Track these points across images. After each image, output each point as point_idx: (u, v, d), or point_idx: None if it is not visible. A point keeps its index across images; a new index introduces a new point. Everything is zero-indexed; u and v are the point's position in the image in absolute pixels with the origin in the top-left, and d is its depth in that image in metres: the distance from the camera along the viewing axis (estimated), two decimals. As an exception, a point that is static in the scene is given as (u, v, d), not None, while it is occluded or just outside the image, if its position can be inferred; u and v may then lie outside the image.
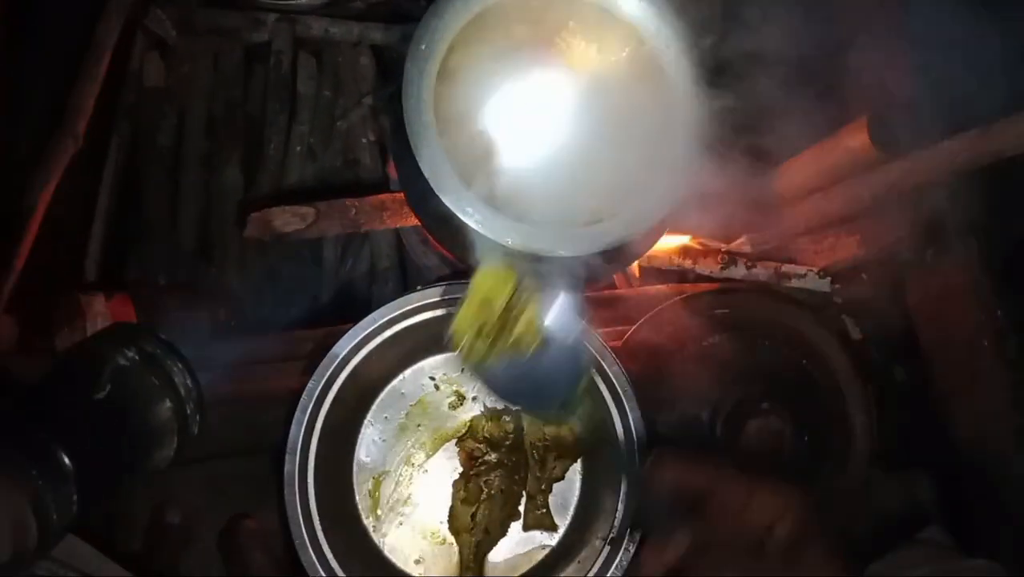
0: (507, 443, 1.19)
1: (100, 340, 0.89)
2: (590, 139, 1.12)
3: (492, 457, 1.18)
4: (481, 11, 1.09)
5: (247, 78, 1.45)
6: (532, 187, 1.10)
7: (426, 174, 1.04)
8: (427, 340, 1.18)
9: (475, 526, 1.16)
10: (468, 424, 1.20)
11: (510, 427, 1.19)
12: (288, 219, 1.25)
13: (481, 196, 1.06)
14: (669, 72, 1.11)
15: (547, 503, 1.17)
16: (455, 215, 1.04)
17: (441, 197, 1.04)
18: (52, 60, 1.16)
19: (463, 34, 1.09)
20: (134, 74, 1.38)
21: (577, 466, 1.20)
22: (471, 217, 1.04)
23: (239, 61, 1.45)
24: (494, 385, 1.08)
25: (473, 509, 1.17)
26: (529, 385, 1.05)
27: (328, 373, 1.12)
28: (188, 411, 0.89)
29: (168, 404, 0.88)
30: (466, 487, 1.17)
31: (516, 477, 1.18)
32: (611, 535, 1.10)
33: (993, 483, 1.18)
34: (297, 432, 1.10)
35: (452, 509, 1.17)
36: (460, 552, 1.16)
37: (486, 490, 1.17)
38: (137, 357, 0.86)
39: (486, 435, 1.19)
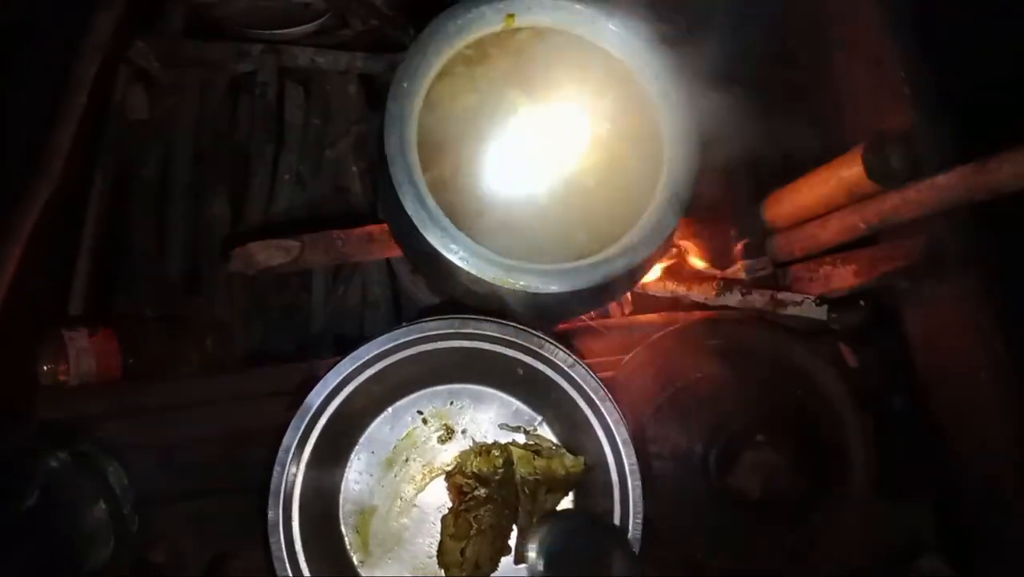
0: (497, 477, 1.17)
1: (33, 441, 0.87)
2: (578, 172, 1.11)
3: (482, 492, 1.16)
4: (464, 47, 1.09)
5: (233, 109, 1.45)
6: (520, 221, 1.09)
7: (409, 212, 1.03)
8: (415, 375, 1.17)
9: (465, 561, 1.14)
10: (456, 459, 1.18)
11: (499, 461, 1.17)
12: (272, 253, 1.24)
13: (466, 231, 1.05)
14: (658, 104, 1.10)
15: (538, 538, 1.15)
16: (439, 252, 1.03)
17: (424, 235, 1.02)
18: (31, 99, 1.15)
19: (446, 68, 1.09)
20: (118, 107, 1.37)
21: (568, 500, 1.18)
22: (455, 254, 1.03)
23: (225, 92, 1.45)
24: None
25: (463, 545, 1.14)
26: None
27: (312, 410, 1.10)
28: (125, 511, 0.89)
29: (103, 505, 0.87)
30: (455, 522, 1.15)
31: (506, 512, 1.15)
32: None
33: (993, 516, 1.17)
34: (281, 473, 1.08)
35: (441, 544, 1.15)
36: None
37: (476, 525, 1.15)
38: (70, 459, 0.85)
39: (475, 470, 1.17)
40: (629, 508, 1.10)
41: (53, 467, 0.83)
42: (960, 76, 1.15)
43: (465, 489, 1.15)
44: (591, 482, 1.15)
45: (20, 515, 0.79)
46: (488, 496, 1.15)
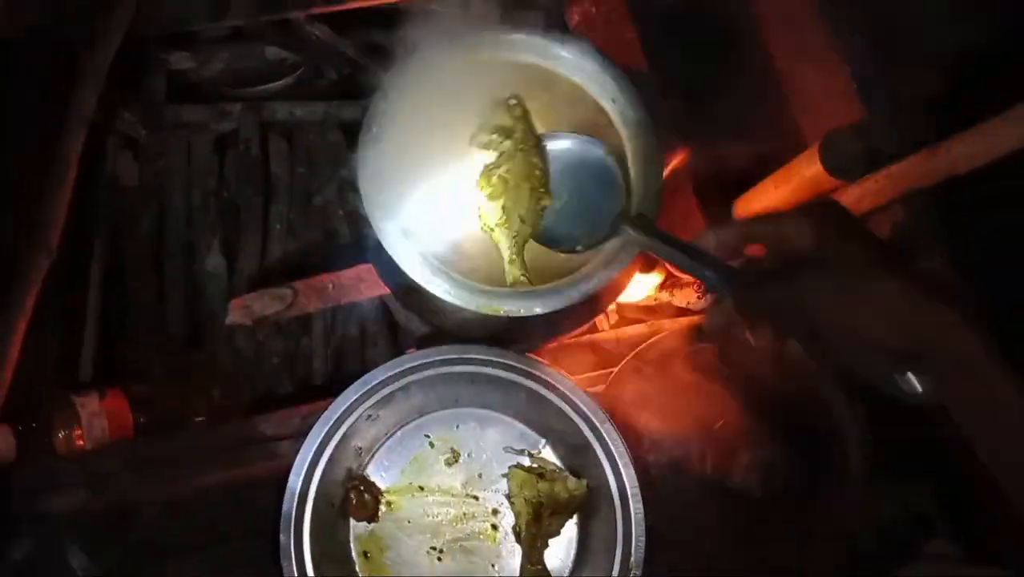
0: (516, 135, 1.12)
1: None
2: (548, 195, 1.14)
3: (508, 144, 1.12)
4: (428, 87, 1.12)
5: (220, 166, 1.49)
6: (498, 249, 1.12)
7: (389, 251, 1.06)
8: (420, 400, 1.21)
9: (508, 218, 1.11)
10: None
11: (517, 111, 1.13)
12: (267, 302, 1.28)
13: (447, 264, 1.08)
14: (617, 123, 1.13)
15: (542, 560, 1.18)
16: (423, 287, 1.06)
17: (407, 272, 1.06)
18: (23, 176, 1.19)
19: (412, 109, 1.12)
20: (109, 175, 1.42)
21: (573, 522, 1.21)
22: (438, 287, 1.06)
23: (211, 151, 1.49)
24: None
25: (501, 201, 1.11)
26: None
27: (314, 448, 1.14)
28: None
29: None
30: (489, 183, 1.11)
31: (532, 161, 1.11)
32: None
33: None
34: (289, 509, 1.12)
35: (480, 211, 1.12)
36: (502, 250, 1.11)
37: (509, 179, 1.11)
38: (32, 547, 0.85)
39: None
40: (632, 530, 1.13)
41: (14, 559, 0.83)
42: (906, 70, 1.19)
43: (491, 146, 1.13)
44: (594, 504, 1.18)
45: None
46: (514, 148, 1.12)
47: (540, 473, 1.20)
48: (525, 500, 1.19)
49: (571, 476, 1.19)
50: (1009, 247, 1.08)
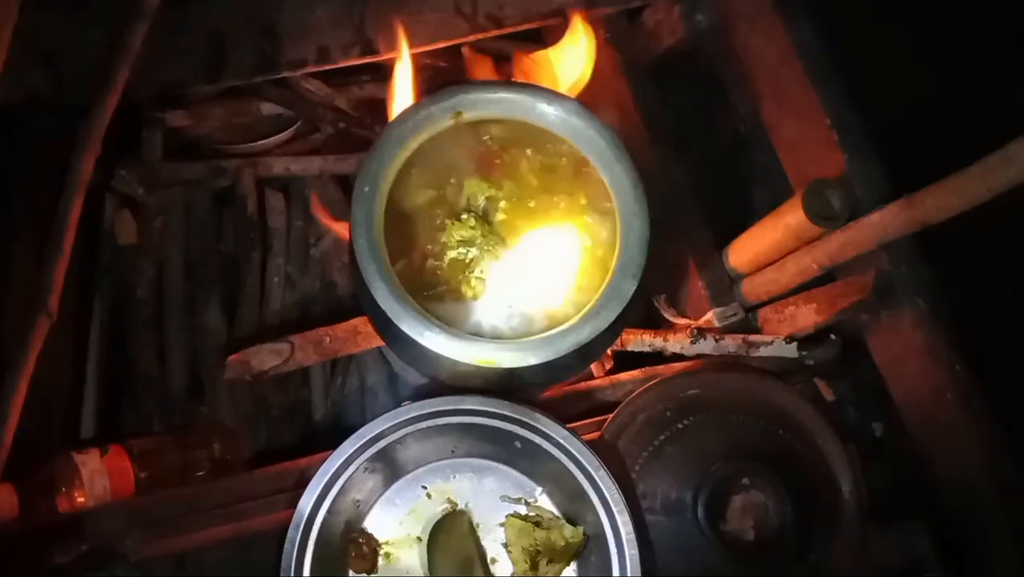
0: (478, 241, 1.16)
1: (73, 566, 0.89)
2: (539, 247, 1.16)
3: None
4: (419, 147, 1.15)
5: (218, 221, 1.51)
6: (491, 301, 1.14)
7: (382, 306, 1.07)
8: (416, 452, 1.21)
9: None
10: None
11: None
12: (264, 357, 1.29)
13: (441, 316, 1.11)
14: (605, 176, 1.16)
15: (540, 608, 1.19)
16: (416, 340, 1.08)
17: (399, 326, 1.08)
18: (21, 240, 1.22)
19: (405, 166, 1.14)
20: (108, 234, 1.44)
21: (572, 569, 1.21)
22: (432, 341, 1.07)
23: (208, 207, 1.51)
24: None
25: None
26: None
27: (312, 502, 1.14)
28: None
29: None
30: (471, 286, 1.15)
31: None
32: None
33: (980, 533, 1.20)
34: (288, 564, 1.12)
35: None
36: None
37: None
38: None
39: None
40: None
41: None
42: (884, 117, 1.21)
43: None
44: (591, 552, 1.19)
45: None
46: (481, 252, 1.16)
47: (537, 521, 1.20)
48: (522, 549, 1.19)
49: (567, 524, 1.20)
50: (981, 289, 1.11)
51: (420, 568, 1.21)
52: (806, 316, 1.28)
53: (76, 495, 1.19)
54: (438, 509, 1.23)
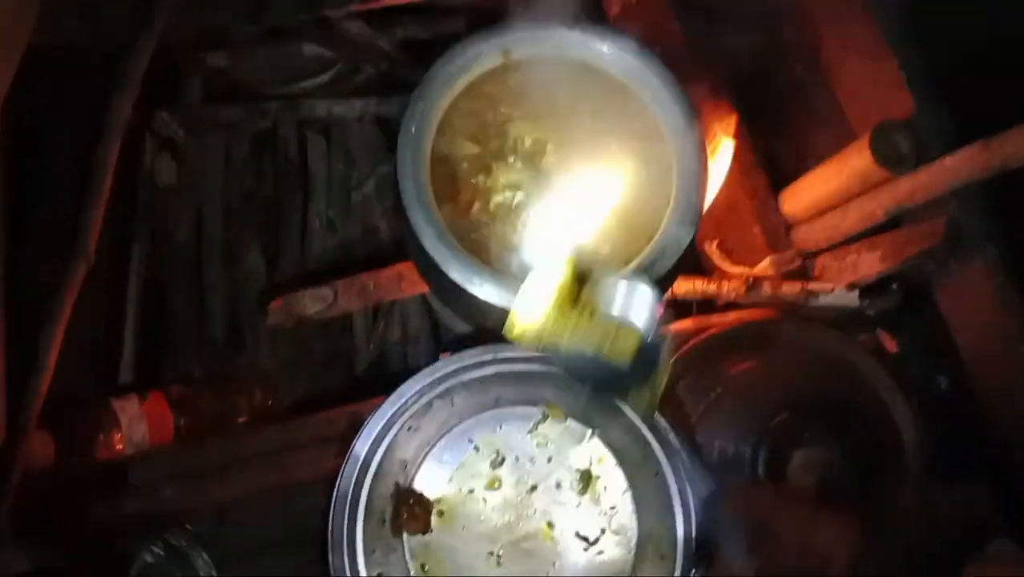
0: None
1: (127, 535, 0.89)
2: (591, 192, 1.12)
3: None
4: (465, 88, 1.12)
5: (258, 165, 1.48)
6: (537, 246, 1.10)
7: (430, 252, 1.05)
8: (460, 405, 1.19)
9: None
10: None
11: None
12: (308, 303, 1.27)
13: (489, 261, 1.07)
14: (660, 118, 1.12)
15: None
16: (463, 287, 1.05)
17: (447, 272, 1.05)
18: (60, 181, 1.19)
19: (451, 107, 1.12)
20: (147, 175, 1.41)
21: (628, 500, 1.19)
22: (478, 287, 1.05)
23: (248, 150, 1.47)
24: (562, 362, 1.06)
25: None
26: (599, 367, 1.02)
27: (362, 458, 1.13)
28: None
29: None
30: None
31: None
32: None
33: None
34: (340, 534, 1.11)
35: None
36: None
37: None
38: (163, 553, 0.87)
39: None
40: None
41: (148, 561, 0.85)
42: (955, 58, 1.16)
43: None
44: (647, 490, 1.18)
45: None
46: None
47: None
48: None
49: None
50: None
51: (475, 523, 1.18)
52: (870, 264, 1.24)
53: (114, 442, 1.18)
54: (487, 462, 1.20)
